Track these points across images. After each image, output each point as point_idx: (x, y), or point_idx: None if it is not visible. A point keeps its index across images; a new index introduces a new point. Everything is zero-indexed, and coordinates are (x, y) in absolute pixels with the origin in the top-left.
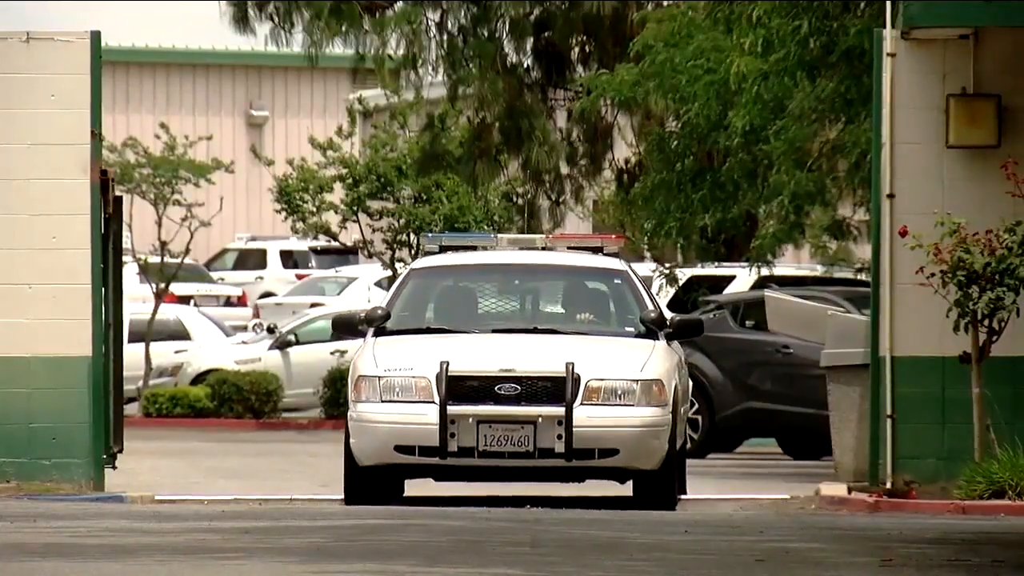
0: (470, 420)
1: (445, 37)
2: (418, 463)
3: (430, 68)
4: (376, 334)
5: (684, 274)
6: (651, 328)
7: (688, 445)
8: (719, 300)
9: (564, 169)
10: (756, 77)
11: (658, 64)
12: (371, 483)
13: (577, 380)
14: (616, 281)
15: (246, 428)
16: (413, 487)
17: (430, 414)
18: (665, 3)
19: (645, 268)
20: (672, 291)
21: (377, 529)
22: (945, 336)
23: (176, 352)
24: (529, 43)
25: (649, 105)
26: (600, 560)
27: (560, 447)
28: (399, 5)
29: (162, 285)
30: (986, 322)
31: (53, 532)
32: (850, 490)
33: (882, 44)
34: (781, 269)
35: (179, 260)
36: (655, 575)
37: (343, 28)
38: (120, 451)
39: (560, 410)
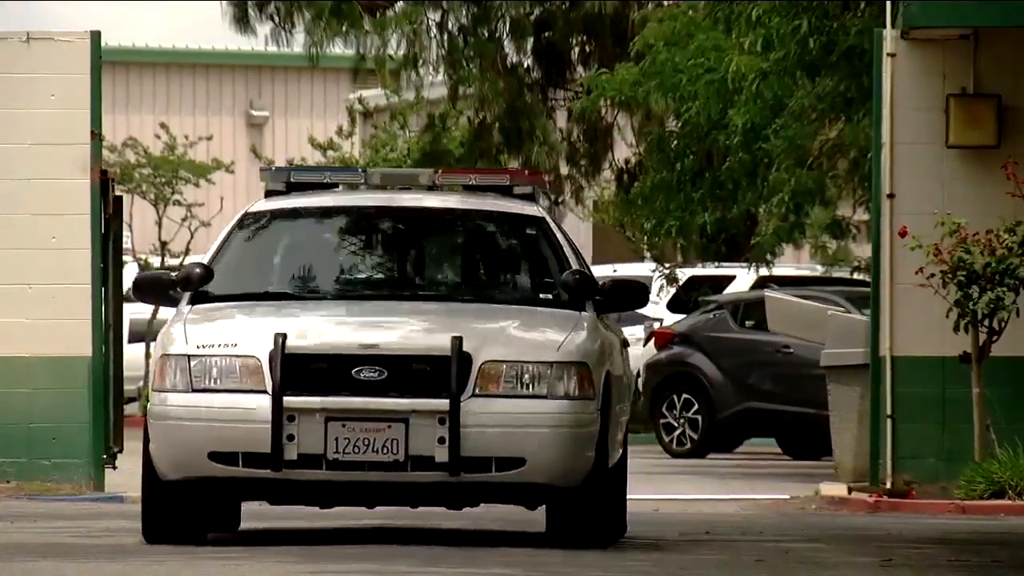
0: (316, 416)
1: (445, 37)
2: (243, 476)
3: (430, 68)
4: (193, 300)
5: (684, 274)
6: (576, 295)
7: (688, 446)
8: (719, 300)
9: (564, 169)
10: (756, 76)
11: (658, 63)
12: (180, 507)
13: (467, 361)
14: (529, 231)
15: None
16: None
17: (260, 408)
18: (665, 3)
19: (645, 268)
20: (672, 291)
21: (377, 529)
22: (945, 336)
23: None
24: (529, 43)
25: (649, 104)
26: (600, 560)
27: (443, 455)
28: (399, 5)
29: None
30: (986, 322)
31: (53, 532)
32: (850, 490)
33: (882, 44)
34: (781, 269)
35: (179, 260)
36: (655, 575)
37: (343, 28)
38: (120, 451)
39: (443, 403)
